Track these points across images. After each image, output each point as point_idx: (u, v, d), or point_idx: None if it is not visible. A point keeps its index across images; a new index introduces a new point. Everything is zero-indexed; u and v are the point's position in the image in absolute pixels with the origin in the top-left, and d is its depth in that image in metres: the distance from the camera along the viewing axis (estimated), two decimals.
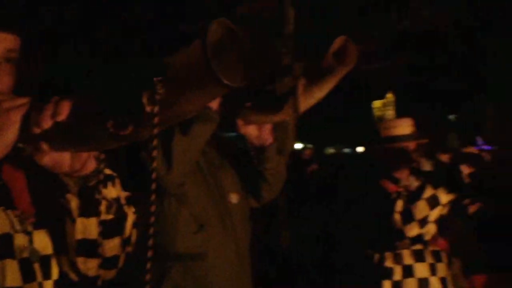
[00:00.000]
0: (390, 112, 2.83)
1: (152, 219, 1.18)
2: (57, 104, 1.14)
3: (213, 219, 2.19)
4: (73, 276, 1.45)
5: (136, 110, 1.06)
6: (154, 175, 1.15)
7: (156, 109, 1.05)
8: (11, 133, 1.17)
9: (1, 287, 1.29)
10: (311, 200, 7.21)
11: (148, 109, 1.05)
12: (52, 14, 9.52)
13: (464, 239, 4.07)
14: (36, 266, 1.35)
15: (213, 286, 2.14)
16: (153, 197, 1.18)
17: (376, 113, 2.86)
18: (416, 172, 2.90)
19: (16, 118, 1.17)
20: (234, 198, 2.27)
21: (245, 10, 11.69)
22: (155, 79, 1.05)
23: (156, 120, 1.05)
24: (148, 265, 1.24)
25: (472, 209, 4.22)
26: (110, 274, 1.51)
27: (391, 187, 2.79)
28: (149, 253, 1.31)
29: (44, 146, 1.19)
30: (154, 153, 1.13)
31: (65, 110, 1.14)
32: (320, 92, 2.05)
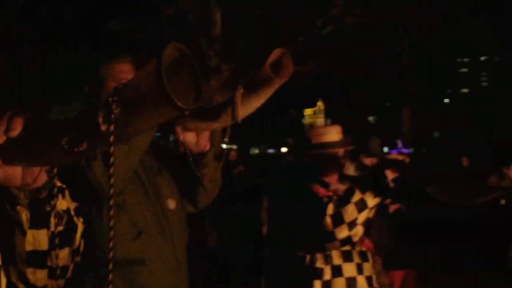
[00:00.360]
0: (320, 120, 2.96)
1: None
2: (10, 120, 1.14)
3: (151, 225, 2.22)
4: (21, 287, 1.46)
5: (91, 128, 1.10)
6: (111, 191, 1.19)
7: (111, 128, 1.08)
8: None
9: None
10: (239, 201, 7.28)
11: (103, 128, 1.09)
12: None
13: (385, 237, 4.27)
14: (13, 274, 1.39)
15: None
16: (111, 212, 1.22)
17: (307, 120, 2.98)
18: (345, 177, 3.04)
19: None
20: (171, 204, 2.32)
21: (171, 11, 11.65)
22: (110, 98, 1.09)
23: (111, 138, 1.10)
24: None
25: (391, 208, 4.45)
26: (59, 284, 1.51)
27: (321, 191, 2.91)
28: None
29: None
30: (112, 170, 1.17)
31: (18, 126, 1.14)
32: (257, 102, 2.12)
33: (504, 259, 6.91)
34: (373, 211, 2.73)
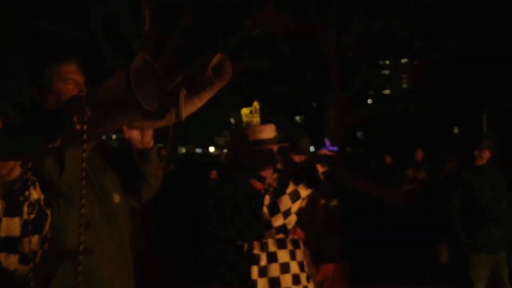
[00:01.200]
0: (256, 119, 3.18)
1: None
2: None
3: (98, 218, 2.35)
4: None
5: (66, 126, 1.25)
6: (82, 184, 1.35)
7: (84, 127, 1.24)
8: None
9: None
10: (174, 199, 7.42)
11: (77, 127, 1.24)
12: None
13: (315, 232, 4.56)
14: None
15: (100, 278, 2.30)
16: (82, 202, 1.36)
17: (244, 119, 3.19)
18: (279, 171, 3.29)
19: None
20: (116, 198, 2.47)
21: (100, 11, 11.56)
22: (83, 101, 1.25)
23: (84, 136, 1.25)
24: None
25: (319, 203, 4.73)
26: (27, 268, 1.66)
27: (257, 185, 3.15)
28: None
29: None
30: (84, 164, 1.33)
31: None
32: (199, 102, 2.30)
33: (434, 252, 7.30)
34: (305, 201, 2.99)
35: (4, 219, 1.55)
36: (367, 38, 15.11)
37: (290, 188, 2.91)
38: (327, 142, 5.33)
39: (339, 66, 15.10)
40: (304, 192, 2.91)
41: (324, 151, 3.03)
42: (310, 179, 2.93)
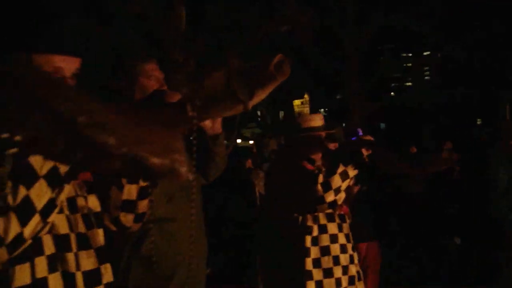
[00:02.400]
0: (306, 109, 3.64)
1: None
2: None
3: (178, 192, 2.75)
4: (112, 227, 1.91)
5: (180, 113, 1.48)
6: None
7: (195, 114, 1.46)
8: None
9: (74, 232, 1.68)
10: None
11: (190, 113, 1.47)
12: None
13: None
14: (93, 219, 1.76)
15: (181, 242, 2.73)
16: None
17: (296, 109, 3.65)
18: (327, 154, 3.73)
19: None
20: (191, 176, 2.94)
21: (134, 10, 11.92)
22: (192, 95, 1.48)
23: (195, 122, 1.49)
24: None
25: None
26: (137, 226, 2.00)
27: (308, 166, 3.61)
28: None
29: None
30: (193, 150, 1.62)
31: None
32: (263, 94, 2.70)
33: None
34: (352, 181, 3.45)
35: (127, 186, 1.85)
36: (387, 31, 15.30)
37: (340, 168, 3.36)
38: (360, 132, 5.72)
39: (359, 58, 15.29)
40: (352, 172, 3.36)
41: (368, 137, 3.48)
42: (357, 161, 3.38)
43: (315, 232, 3.47)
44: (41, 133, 1.31)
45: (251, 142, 14.85)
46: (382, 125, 25.61)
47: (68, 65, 1.66)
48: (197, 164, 2.95)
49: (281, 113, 20.82)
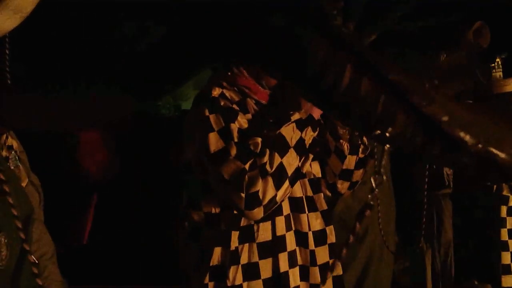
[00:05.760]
0: (499, 73, 3.44)
1: None
2: None
3: None
4: (327, 193, 2.02)
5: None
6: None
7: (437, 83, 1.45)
8: None
9: (304, 195, 1.84)
10: None
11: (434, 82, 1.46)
12: None
13: None
14: (317, 184, 1.92)
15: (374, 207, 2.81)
16: None
17: None
18: None
19: None
20: None
21: None
22: (432, 73, 1.59)
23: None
24: None
25: None
26: (349, 193, 2.13)
27: None
28: None
29: None
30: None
31: None
32: None
33: None
34: None
35: (348, 157, 1.97)
36: None
37: None
38: None
39: None
40: None
41: None
42: None
43: None
44: (404, 130, 1.43)
45: None
46: None
47: None
48: None
49: None
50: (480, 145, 1.40)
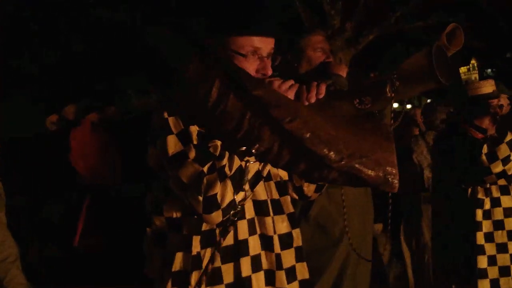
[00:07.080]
0: (475, 75, 3.44)
1: None
2: (318, 86, 1.66)
3: None
4: (294, 196, 2.01)
5: (378, 94, 1.57)
6: None
7: (393, 94, 1.53)
8: None
9: (269, 198, 1.81)
10: None
11: (388, 94, 1.54)
12: None
13: None
14: (283, 186, 1.89)
15: (348, 207, 2.64)
16: None
17: (462, 77, 3.47)
18: (496, 122, 3.50)
19: (291, 95, 1.64)
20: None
21: None
22: (394, 75, 1.59)
23: (392, 102, 1.55)
24: None
25: None
26: (316, 196, 2.07)
27: (477, 135, 3.42)
28: None
29: None
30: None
31: (323, 91, 1.65)
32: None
33: None
34: None
35: None
36: None
37: (508, 137, 3.16)
38: None
39: None
40: None
41: None
42: None
43: (487, 206, 3.32)
44: (271, 146, 1.46)
45: (408, 106, 14.26)
46: None
47: (265, 45, 1.73)
48: None
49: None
50: (343, 162, 1.42)
